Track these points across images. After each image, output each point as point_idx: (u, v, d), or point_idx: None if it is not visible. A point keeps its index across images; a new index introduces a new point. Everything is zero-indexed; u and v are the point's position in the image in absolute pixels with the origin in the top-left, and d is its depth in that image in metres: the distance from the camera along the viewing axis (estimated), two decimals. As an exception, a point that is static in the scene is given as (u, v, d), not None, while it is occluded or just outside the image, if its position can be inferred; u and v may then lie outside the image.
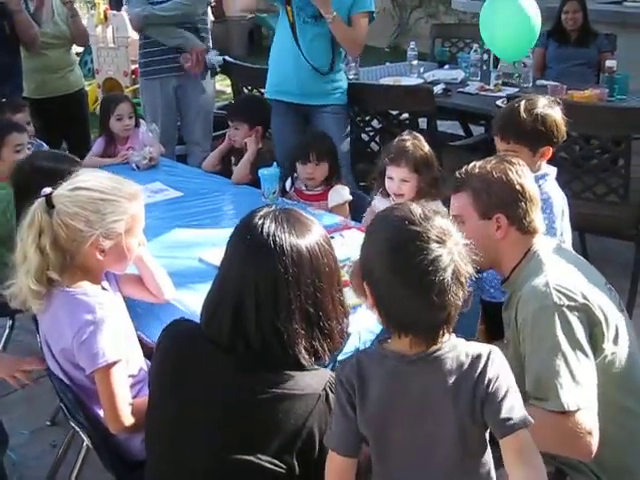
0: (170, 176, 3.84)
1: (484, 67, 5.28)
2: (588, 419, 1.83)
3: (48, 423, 3.16)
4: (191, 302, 2.46)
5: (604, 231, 3.77)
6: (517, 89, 4.99)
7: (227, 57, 5.04)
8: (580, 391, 1.84)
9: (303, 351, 1.63)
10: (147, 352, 2.18)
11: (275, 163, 3.32)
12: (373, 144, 4.52)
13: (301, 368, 1.64)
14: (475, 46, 5.50)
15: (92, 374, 1.98)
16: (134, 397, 2.06)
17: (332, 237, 2.65)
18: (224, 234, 2.98)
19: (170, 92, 4.76)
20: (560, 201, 2.70)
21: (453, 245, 1.50)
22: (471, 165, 2.19)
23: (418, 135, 3.06)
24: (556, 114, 2.67)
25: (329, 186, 3.48)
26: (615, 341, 2.00)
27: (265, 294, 1.62)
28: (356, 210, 3.49)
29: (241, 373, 1.64)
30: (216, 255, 2.79)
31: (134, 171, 3.89)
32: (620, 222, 3.65)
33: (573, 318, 1.91)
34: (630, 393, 2.05)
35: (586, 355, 1.89)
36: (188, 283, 2.59)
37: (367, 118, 4.46)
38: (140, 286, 2.36)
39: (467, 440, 1.54)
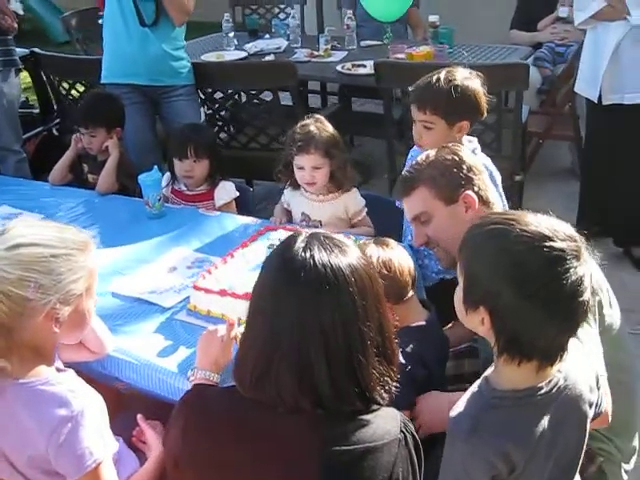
0: (13, 195, 3.21)
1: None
2: (605, 387, 1.81)
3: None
4: (132, 347, 2.10)
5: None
6: (346, 52, 4.91)
7: (35, 49, 4.42)
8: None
9: (378, 388, 1.42)
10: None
11: (156, 167, 2.92)
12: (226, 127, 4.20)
13: (373, 406, 1.43)
14: (292, 12, 5.33)
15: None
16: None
17: (272, 245, 2.38)
18: (121, 257, 2.65)
19: None
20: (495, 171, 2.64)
21: (587, 255, 1.34)
22: (414, 162, 2.18)
23: (319, 117, 2.84)
24: (476, 86, 2.55)
25: (213, 184, 3.15)
26: (610, 304, 2.00)
27: (335, 336, 1.36)
28: (242, 205, 3.23)
29: (315, 435, 1.38)
30: (127, 284, 2.43)
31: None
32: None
33: None
34: (622, 350, 2.06)
35: (590, 325, 1.86)
36: (117, 326, 2.18)
37: (220, 99, 4.13)
38: (78, 346, 1.92)
39: None
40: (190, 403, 1.51)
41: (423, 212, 2.12)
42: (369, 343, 1.38)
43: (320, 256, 1.37)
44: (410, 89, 2.63)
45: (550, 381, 1.41)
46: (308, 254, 1.37)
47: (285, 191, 2.93)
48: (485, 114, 2.62)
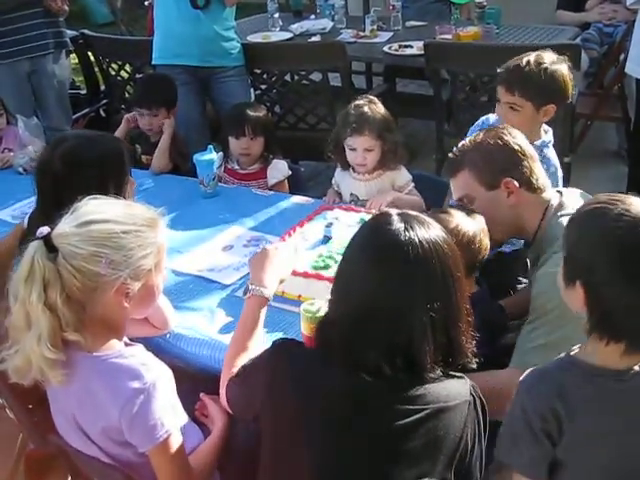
0: (69, 176, 3.31)
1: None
2: None
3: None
4: (194, 323, 2.15)
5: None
6: (391, 33, 4.89)
7: (85, 30, 4.48)
8: None
9: (469, 353, 1.51)
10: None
11: (211, 146, 2.96)
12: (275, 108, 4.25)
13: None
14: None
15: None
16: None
17: (330, 224, 2.41)
18: (177, 236, 2.69)
19: (22, 77, 4.22)
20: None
21: None
22: (461, 144, 2.17)
23: (372, 97, 2.85)
24: (564, 70, 2.55)
25: (266, 162, 3.19)
26: None
27: (422, 310, 1.43)
28: (293, 184, 3.26)
29: (393, 396, 1.45)
30: (186, 262, 2.47)
31: (21, 175, 3.33)
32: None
33: None
34: None
35: None
36: (179, 302, 2.23)
37: (270, 80, 4.16)
38: (142, 322, 1.98)
39: None
40: (276, 357, 1.57)
41: (466, 195, 2.12)
42: (453, 315, 1.47)
43: (418, 232, 1.45)
44: (498, 70, 2.62)
45: (630, 370, 1.39)
46: (407, 235, 1.44)
47: (335, 172, 2.96)
48: (571, 98, 2.61)
